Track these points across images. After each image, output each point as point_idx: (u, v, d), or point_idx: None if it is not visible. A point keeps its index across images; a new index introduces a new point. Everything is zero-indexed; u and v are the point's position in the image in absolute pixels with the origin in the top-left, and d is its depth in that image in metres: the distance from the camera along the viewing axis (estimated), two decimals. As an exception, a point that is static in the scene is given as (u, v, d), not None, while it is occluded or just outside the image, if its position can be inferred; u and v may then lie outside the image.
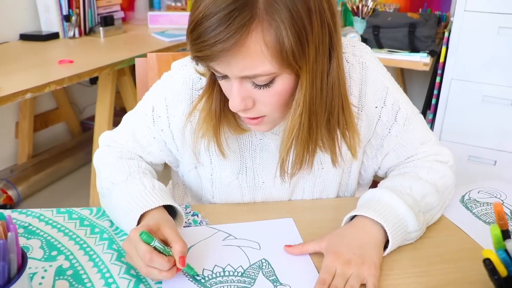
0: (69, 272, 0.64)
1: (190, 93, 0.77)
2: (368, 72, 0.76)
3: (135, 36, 2.37)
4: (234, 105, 0.63)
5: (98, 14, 2.33)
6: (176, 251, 0.61)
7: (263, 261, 0.68)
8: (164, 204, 0.70)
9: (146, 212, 0.68)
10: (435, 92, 2.09)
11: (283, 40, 0.56)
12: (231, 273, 0.65)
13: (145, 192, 0.71)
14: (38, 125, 2.45)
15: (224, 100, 0.70)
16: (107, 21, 2.28)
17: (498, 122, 1.95)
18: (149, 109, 0.81)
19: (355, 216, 0.71)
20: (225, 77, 0.63)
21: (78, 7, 2.24)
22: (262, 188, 0.84)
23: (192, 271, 0.63)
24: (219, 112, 0.71)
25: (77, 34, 2.25)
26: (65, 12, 2.20)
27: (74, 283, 0.62)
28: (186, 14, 2.86)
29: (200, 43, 0.57)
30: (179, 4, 3.15)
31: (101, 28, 2.26)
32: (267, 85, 0.61)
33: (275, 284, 0.63)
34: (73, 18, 2.21)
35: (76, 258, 0.67)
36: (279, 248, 0.70)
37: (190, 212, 0.80)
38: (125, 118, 0.86)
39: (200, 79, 0.76)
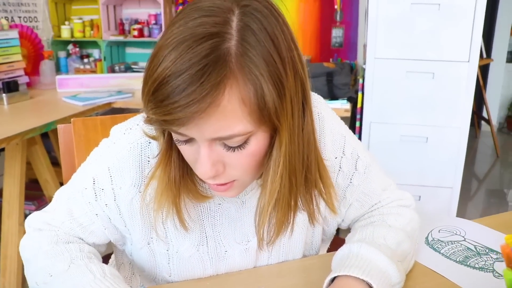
0: None
1: (139, 160, 0.68)
2: (325, 122, 0.74)
3: (43, 101, 2.20)
4: (203, 171, 0.56)
5: (-1, 80, 2.13)
6: None
7: None
8: None
9: None
10: (357, 135, 2.17)
11: (262, 95, 0.51)
12: None
13: (94, 281, 0.60)
14: None
15: (183, 166, 0.63)
16: (10, 86, 2.09)
17: (417, 158, 2.07)
18: (89, 182, 0.70)
19: (335, 277, 0.66)
20: (189, 140, 0.56)
21: (-25, 73, 2.04)
22: (225, 258, 0.76)
23: None
24: (179, 181, 0.63)
25: (-24, 103, 2.02)
26: (-40, 80, 1.97)
27: None
28: (97, 76, 2.75)
29: (169, 105, 0.49)
30: (88, 67, 3.03)
31: (4, 94, 2.05)
32: (241, 146, 0.55)
33: None
34: (-30, 85, 1.99)
35: None
36: None
37: (147, 296, 0.68)
38: (58, 194, 0.74)
39: (149, 143, 0.67)
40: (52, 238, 0.69)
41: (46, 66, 2.55)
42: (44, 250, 0.67)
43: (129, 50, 3.18)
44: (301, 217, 0.75)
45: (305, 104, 0.59)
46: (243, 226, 0.74)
